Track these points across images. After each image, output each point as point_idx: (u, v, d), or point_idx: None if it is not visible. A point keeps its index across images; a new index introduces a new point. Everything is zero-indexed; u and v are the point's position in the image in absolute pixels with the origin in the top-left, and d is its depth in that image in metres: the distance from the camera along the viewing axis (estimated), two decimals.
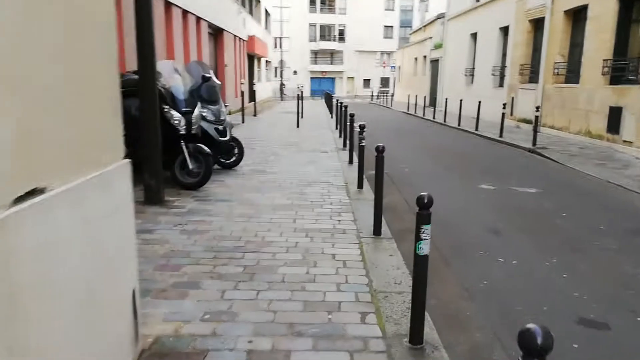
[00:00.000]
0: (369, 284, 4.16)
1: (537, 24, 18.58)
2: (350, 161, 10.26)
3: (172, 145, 7.39)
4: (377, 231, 5.49)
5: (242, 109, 18.50)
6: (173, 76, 7.56)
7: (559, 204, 7.59)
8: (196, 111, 7.57)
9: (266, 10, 40.08)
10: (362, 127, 7.94)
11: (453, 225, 6.44)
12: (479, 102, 18.46)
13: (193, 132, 7.47)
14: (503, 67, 22.03)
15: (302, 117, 21.63)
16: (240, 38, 26.00)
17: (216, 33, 21.32)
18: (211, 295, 3.87)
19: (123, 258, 2.82)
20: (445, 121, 22.00)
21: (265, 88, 39.82)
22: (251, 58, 31.94)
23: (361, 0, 68.15)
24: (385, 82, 66.91)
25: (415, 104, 29.23)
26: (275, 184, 8.01)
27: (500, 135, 15.50)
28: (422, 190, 3.33)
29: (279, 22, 49.79)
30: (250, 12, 31.04)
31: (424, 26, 41.32)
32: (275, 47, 54.98)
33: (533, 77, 18.82)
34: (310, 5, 68.18)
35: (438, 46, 33.97)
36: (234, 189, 7.63)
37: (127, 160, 2.88)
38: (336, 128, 17.47)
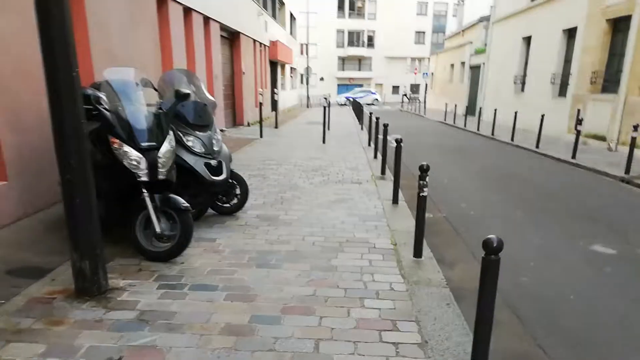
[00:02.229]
0: None
1: (618, 24, 15.65)
2: (395, 200, 7.59)
3: (131, 197, 4.89)
4: None
5: (260, 122, 16.01)
6: (130, 92, 5.03)
7: None
8: (165, 145, 5.02)
9: (291, 15, 37.69)
10: (423, 170, 5.19)
11: (593, 346, 3.73)
12: (541, 115, 15.63)
13: (161, 177, 4.93)
14: (566, 74, 19.08)
15: (328, 129, 19.09)
16: (261, 43, 23.60)
17: (232, 37, 18.92)
18: None
19: None
20: (493, 134, 19.15)
21: (289, 96, 37.43)
22: (274, 65, 29.54)
23: (392, 5, 65.49)
24: (415, 88, 64.11)
25: (454, 114, 26.40)
26: (289, 246, 5.39)
27: (573, 157, 12.63)
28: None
29: (305, 28, 47.42)
30: (274, 16, 28.65)
31: (463, 30, 38.47)
32: (302, 53, 52.63)
33: (608, 86, 15.90)
34: (339, 11, 65.73)
35: (480, 51, 31.19)
36: (226, 258, 5.04)
37: None
38: (369, 144, 14.84)
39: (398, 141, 7.63)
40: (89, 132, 5.08)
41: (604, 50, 16.29)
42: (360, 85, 66.88)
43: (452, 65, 37.92)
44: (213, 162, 6.05)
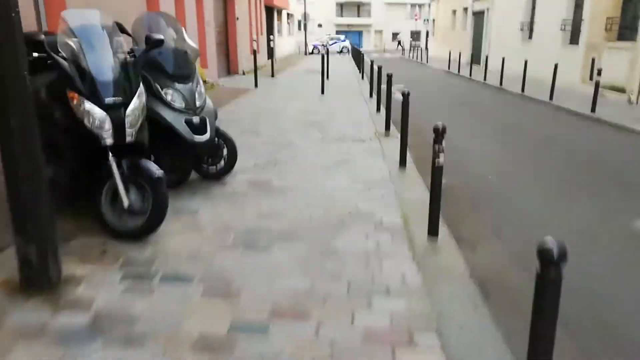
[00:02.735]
0: None
1: None
2: (403, 162, 6.80)
3: (96, 164, 4.09)
4: None
5: (255, 71, 15.00)
6: (93, 38, 4.15)
7: None
8: (135, 101, 4.18)
9: None
10: (440, 130, 4.33)
11: None
12: (554, 64, 14.63)
13: (129, 139, 4.12)
14: (578, 20, 17.89)
15: (327, 78, 18.07)
16: None
17: None
18: None
19: None
20: (501, 85, 18.16)
21: (287, 43, 35.99)
22: (270, 11, 28.07)
23: None
24: (416, 35, 62.18)
25: (459, 62, 25.26)
26: (282, 222, 4.61)
27: (593, 110, 11.74)
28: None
29: None
30: None
31: None
32: None
33: (626, 33, 14.82)
34: None
35: None
36: (208, 237, 4.27)
37: None
38: (370, 96, 13.91)
39: (405, 94, 6.77)
40: (46, 86, 4.25)
41: None
42: (360, 32, 64.89)
43: (454, 12, 36.39)
44: (195, 119, 5.22)
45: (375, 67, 14.28)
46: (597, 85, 12.05)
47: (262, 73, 20.23)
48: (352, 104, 12.55)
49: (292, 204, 5.11)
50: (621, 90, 14.14)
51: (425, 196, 4.97)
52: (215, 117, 5.65)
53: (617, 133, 10.10)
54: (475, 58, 29.82)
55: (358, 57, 26.61)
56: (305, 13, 41.81)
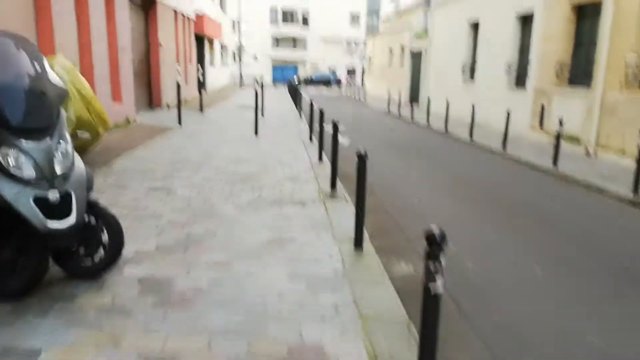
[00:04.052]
0: None
1: (584, 10, 13.84)
2: (358, 242, 5.17)
3: None
4: None
5: (179, 105, 13.11)
6: None
7: None
8: None
9: None
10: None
11: None
12: (506, 111, 13.70)
13: None
14: (523, 64, 17.27)
15: (262, 115, 16.46)
16: (184, 15, 20.45)
17: (146, 4, 15.76)
18: None
19: None
20: (447, 130, 17.12)
21: (220, 74, 34.22)
22: (200, 40, 26.30)
23: None
24: (352, 71, 62.23)
25: (399, 102, 24.34)
26: None
27: (555, 163, 10.64)
28: None
29: (236, 3, 44.02)
30: None
31: (401, 13, 36.50)
32: (234, 29, 49.16)
33: (577, 79, 14.11)
34: None
35: (420, 36, 29.28)
36: None
37: None
38: (310, 139, 12.35)
39: (362, 156, 5.18)
40: None
41: (568, 38, 14.51)
42: (296, 67, 64.17)
43: (391, 49, 36.03)
44: (53, 196, 3.42)
45: (316, 106, 12.79)
46: (558, 137, 11.00)
47: (190, 107, 18.35)
48: (290, 149, 10.93)
49: (199, 326, 3.33)
50: (575, 139, 13.31)
51: (397, 307, 3.34)
52: (90, 188, 3.83)
53: (588, 193, 8.96)
54: (414, 97, 29.19)
55: (294, 92, 25.22)
56: (240, 44, 40.34)
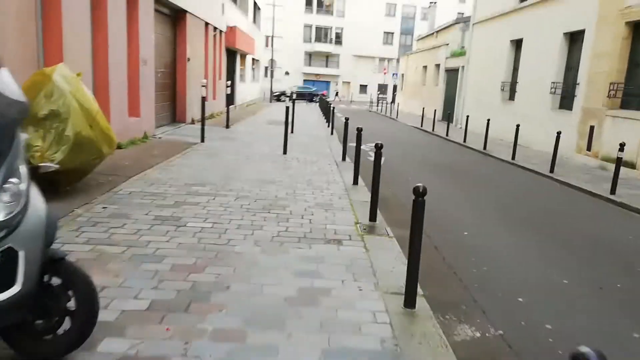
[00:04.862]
0: None
1: None
2: (410, 302, 4.01)
3: None
4: None
5: (202, 122, 12.15)
6: None
7: None
8: None
9: (255, 4, 33.79)
10: None
11: None
12: (557, 132, 12.46)
13: None
14: (570, 83, 15.94)
15: (292, 131, 15.43)
16: (215, 27, 19.70)
17: (175, 15, 14.98)
18: None
19: None
20: (485, 148, 15.90)
21: (250, 89, 33.51)
22: (232, 54, 25.58)
23: (361, 4, 63.22)
24: (383, 88, 61.17)
25: (434, 120, 23.14)
26: None
27: (612, 192, 9.41)
28: None
29: (270, 20, 43.53)
30: (234, 0, 24.73)
31: (437, 32, 35.46)
32: (267, 45, 48.72)
33: (632, 101, 12.86)
34: (306, 6, 62.73)
35: (457, 54, 28.23)
36: None
37: None
38: (343, 159, 11.23)
39: (420, 192, 4.04)
40: None
41: (622, 58, 13.25)
42: (327, 83, 63.47)
43: (425, 67, 34.93)
44: None
45: (351, 125, 11.68)
46: (619, 162, 9.72)
47: (216, 123, 17.45)
48: (322, 169, 9.83)
49: None
50: (629, 164, 11.98)
51: None
52: (50, 241, 2.75)
53: None
54: (448, 115, 27.90)
55: (326, 107, 24.20)
56: (272, 59, 39.69)
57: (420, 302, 4.10)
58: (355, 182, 8.58)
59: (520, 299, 4.74)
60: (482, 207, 8.45)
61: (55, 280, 2.83)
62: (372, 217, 6.41)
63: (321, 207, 6.88)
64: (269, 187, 7.86)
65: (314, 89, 50.47)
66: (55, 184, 6.15)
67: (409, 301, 4.03)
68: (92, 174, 7.09)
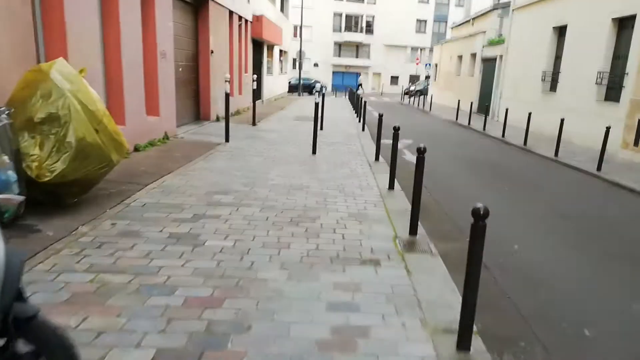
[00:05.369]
0: None
1: None
2: (464, 342, 3.32)
3: None
4: None
5: (227, 121, 11.53)
6: None
7: None
8: None
9: None
10: None
11: None
12: (606, 127, 11.47)
13: None
14: (618, 74, 14.81)
15: (321, 128, 14.75)
16: (240, 16, 19.05)
17: (197, 3, 14.34)
18: None
19: None
20: (525, 144, 15.00)
21: (278, 82, 32.88)
22: (259, 45, 24.94)
23: None
24: (415, 80, 59.70)
25: (470, 113, 22.12)
26: None
27: None
28: None
29: (298, 9, 42.76)
30: None
31: (473, 19, 34.13)
32: (295, 36, 47.94)
33: None
34: None
35: (494, 42, 26.96)
36: None
37: None
38: (376, 159, 10.50)
39: (481, 215, 3.32)
40: None
41: None
42: (357, 74, 62.31)
43: (460, 57, 33.63)
44: None
45: (384, 121, 10.91)
46: None
47: (242, 120, 16.87)
48: (354, 172, 9.12)
49: None
50: None
51: None
52: (12, 292, 2.12)
53: None
54: (482, 107, 26.80)
55: (355, 100, 23.40)
56: (300, 51, 38.91)
57: (476, 341, 3.43)
58: (391, 186, 7.84)
59: (587, 332, 4.01)
60: (529, 213, 7.62)
61: (18, 347, 2.21)
62: (413, 230, 5.69)
63: (355, 218, 6.18)
64: (297, 194, 7.19)
65: (314, 82, 49.86)
66: (58, 198, 5.56)
67: (464, 342, 3.37)
68: (103, 182, 6.52)
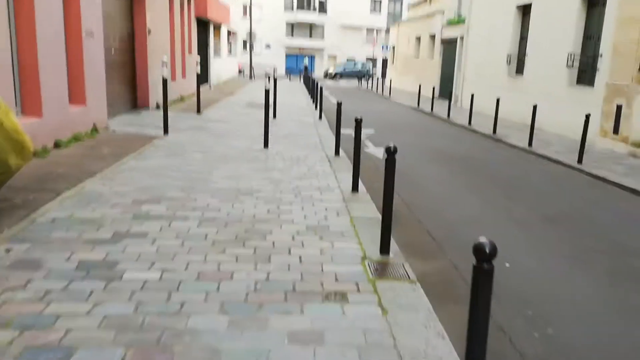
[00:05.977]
0: None
1: None
2: None
3: None
4: None
5: (165, 110, 10.20)
6: None
7: None
8: None
9: None
10: None
11: None
12: (586, 115, 10.84)
13: None
14: (590, 55, 14.24)
15: (274, 117, 13.62)
16: None
17: None
18: None
19: None
20: (495, 133, 14.27)
21: (227, 65, 31.31)
22: (204, 25, 23.40)
23: None
24: (372, 63, 58.82)
25: (432, 99, 21.39)
26: None
27: None
28: None
29: None
30: None
31: None
32: (245, 14, 46.09)
33: None
34: None
35: (454, 22, 26.25)
36: None
37: None
38: (336, 153, 9.47)
39: (487, 254, 2.33)
40: None
41: None
42: (312, 57, 60.89)
43: (419, 39, 32.89)
44: None
45: (342, 108, 9.89)
46: None
47: (186, 107, 15.50)
48: (312, 169, 8.07)
49: None
50: None
51: None
52: None
53: None
54: (444, 92, 26.14)
55: (310, 83, 22.27)
56: (250, 31, 37.31)
57: None
58: (355, 188, 6.83)
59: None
60: (515, 218, 6.77)
61: None
62: (384, 248, 4.70)
63: (314, 232, 5.14)
64: (245, 201, 6.08)
65: (359, 67, 49.68)
66: None
67: None
68: (4, 190, 5.25)
